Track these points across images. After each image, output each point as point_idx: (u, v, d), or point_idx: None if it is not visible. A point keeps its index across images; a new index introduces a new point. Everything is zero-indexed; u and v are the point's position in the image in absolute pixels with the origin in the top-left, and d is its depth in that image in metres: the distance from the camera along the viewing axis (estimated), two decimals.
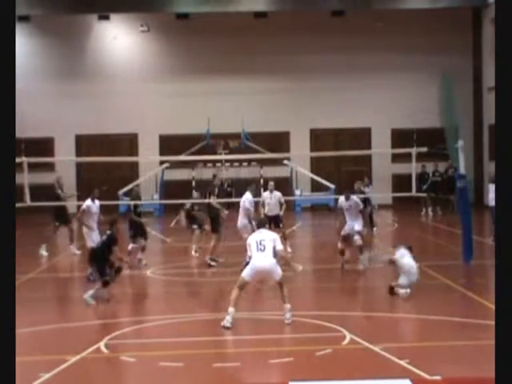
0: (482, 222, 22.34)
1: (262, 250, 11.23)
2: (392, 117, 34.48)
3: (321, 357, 9.34)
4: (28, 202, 17.88)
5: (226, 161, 32.00)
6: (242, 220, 17.09)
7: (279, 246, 11.43)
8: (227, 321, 10.93)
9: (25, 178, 17.52)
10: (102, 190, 20.14)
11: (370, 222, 22.68)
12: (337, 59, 34.42)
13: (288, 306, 11.24)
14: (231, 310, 11.01)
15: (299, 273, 16.10)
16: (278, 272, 11.30)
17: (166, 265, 18.02)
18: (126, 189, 29.60)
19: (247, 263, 11.78)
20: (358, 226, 16.35)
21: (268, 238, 11.47)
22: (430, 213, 29.55)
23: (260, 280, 11.64)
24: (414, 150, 18.60)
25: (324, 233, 25.51)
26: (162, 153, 33.69)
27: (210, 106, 33.54)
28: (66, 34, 34.32)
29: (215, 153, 31.37)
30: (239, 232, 16.98)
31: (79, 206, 18.29)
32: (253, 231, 13.35)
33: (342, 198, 16.71)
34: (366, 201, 19.32)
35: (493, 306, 11.26)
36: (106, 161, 30.89)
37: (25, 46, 33.42)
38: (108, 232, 13.71)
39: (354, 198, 16.69)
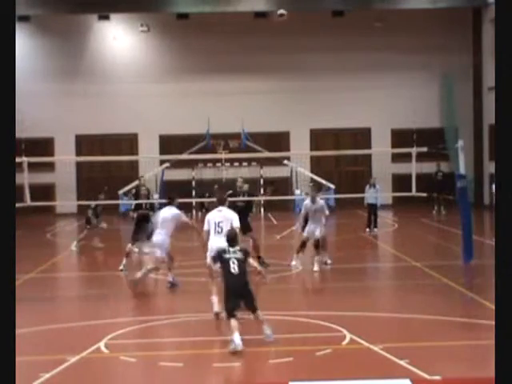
0: (482, 221, 22.32)
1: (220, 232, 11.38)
2: (392, 117, 34.50)
3: (321, 357, 9.34)
4: (28, 201, 17.87)
5: (226, 160, 31.99)
6: None
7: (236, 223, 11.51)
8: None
9: (25, 178, 17.50)
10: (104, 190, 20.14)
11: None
12: (337, 59, 34.43)
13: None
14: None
15: (299, 273, 16.15)
16: None
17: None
18: (126, 188, 29.58)
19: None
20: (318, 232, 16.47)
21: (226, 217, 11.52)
22: (441, 211, 29.90)
23: None
24: (414, 150, 18.62)
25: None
26: (162, 153, 33.71)
27: (209, 106, 33.55)
28: (66, 34, 34.35)
29: (215, 153, 31.36)
30: None
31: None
32: None
33: (307, 201, 16.74)
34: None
35: (493, 306, 11.26)
36: (106, 161, 30.90)
37: (25, 46, 33.45)
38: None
39: (321, 201, 16.75)
